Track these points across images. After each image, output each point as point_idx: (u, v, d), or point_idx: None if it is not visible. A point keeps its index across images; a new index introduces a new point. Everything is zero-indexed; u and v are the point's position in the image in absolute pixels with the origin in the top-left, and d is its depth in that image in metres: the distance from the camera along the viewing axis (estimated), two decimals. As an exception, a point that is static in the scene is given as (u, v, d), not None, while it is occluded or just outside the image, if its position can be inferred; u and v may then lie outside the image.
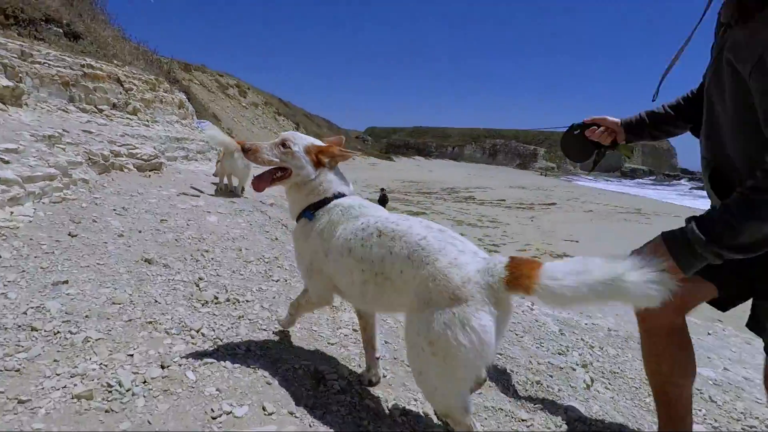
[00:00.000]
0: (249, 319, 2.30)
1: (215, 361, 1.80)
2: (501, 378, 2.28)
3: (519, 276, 1.27)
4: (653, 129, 1.87)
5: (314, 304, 1.95)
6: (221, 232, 3.93)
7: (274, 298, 2.67)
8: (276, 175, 1.82)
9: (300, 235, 1.84)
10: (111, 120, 7.30)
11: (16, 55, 6.12)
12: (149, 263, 2.83)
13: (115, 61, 8.12)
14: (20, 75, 5.79)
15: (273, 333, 2.21)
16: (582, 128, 1.95)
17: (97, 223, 3.47)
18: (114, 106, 7.58)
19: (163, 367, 1.71)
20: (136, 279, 2.55)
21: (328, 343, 2.23)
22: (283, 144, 1.80)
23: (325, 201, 1.78)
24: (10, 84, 5.20)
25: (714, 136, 1.47)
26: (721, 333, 4.51)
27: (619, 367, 2.80)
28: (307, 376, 1.85)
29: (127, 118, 7.71)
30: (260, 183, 1.84)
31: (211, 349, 1.93)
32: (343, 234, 1.65)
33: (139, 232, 3.49)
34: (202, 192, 5.59)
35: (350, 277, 1.62)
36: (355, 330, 2.41)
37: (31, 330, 1.84)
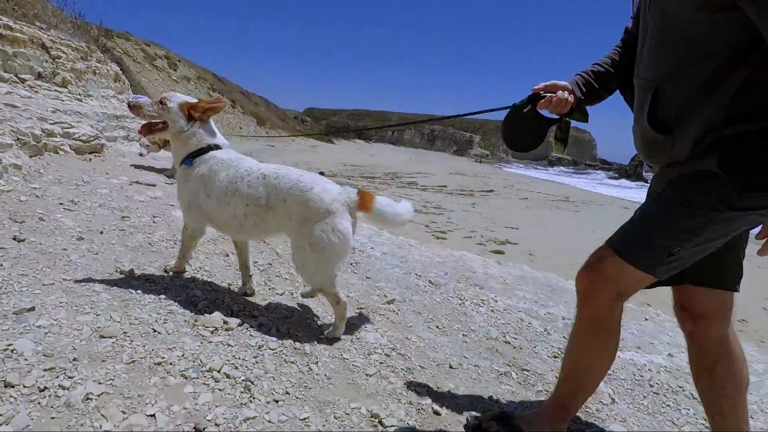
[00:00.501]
0: (271, 349, 1.97)
1: (257, 414, 1.48)
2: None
3: (364, 201, 2.07)
4: (602, 90, 1.69)
5: (192, 237, 2.40)
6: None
7: (286, 317, 2.35)
8: (156, 126, 2.30)
9: (181, 179, 2.30)
10: (36, 92, 6.28)
11: None
12: (128, 276, 2.36)
13: (38, 23, 6.96)
14: None
15: (304, 365, 1.91)
16: (532, 102, 1.61)
17: (46, 222, 2.88)
18: (39, 76, 6.53)
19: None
20: (119, 300, 2.11)
21: (366, 375, 1.97)
22: (161, 101, 2.28)
23: (202, 151, 2.23)
24: None
25: (662, 50, 1.35)
26: (656, 318, 4.74)
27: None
28: (364, 420, 1.60)
29: (56, 90, 6.68)
30: (144, 130, 2.33)
31: (245, 396, 1.60)
32: (227, 179, 2.15)
33: (101, 233, 2.96)
34: (154, 182, 4.93)
35: (233, 212, 2.13)
36: (388, 355, 2.16)
37: (5, 387, 1.40)
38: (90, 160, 5.22)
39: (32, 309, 1.84)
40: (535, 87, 1.62)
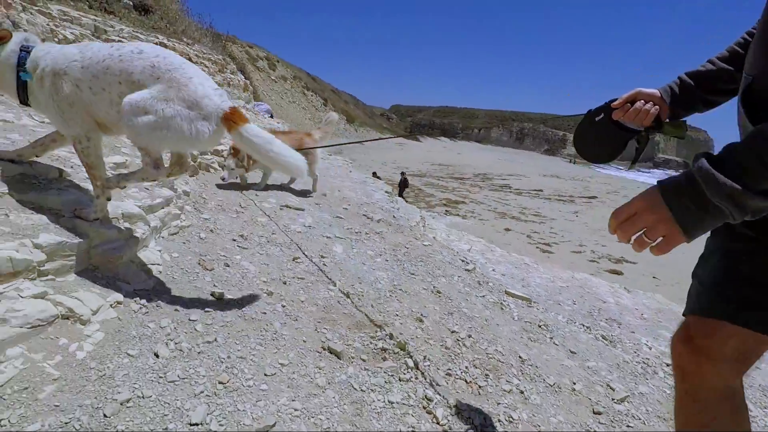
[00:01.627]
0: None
1: None
2: None
3: (233, 119, 1.89)
4: (707, 93, 1.39)
5: (88, 146, 2.05)
6: (384, 283, 3.14)
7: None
8: None
9: (38, 95, 1.96)
10: (183, 107, 6.50)
11: (89, 31, 5.34)
12: (339, 357, 2.07)
13: (185, 39, 7.29)
14: (60, 36, 5.00)
15: None
16: (606, 111, 1.51)
17: (231, 270, 2.74)
18: (185, 91, 6.78)
19: None
20: (349, 402, 1.80)
21: None
22: None
23: (20, 59, 1.92)
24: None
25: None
26: None
27: None
28: None
29: (199, 104, 6.90)
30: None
31: None
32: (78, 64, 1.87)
33: (284, 283, 2.74)
34: (302, 206, 4.80)
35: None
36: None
37: None
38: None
39: (274, 426, 1.57)
40: (612, 100, 1.51)
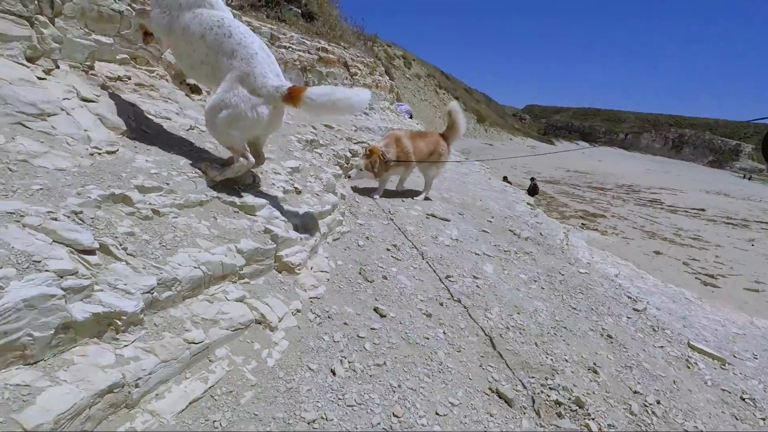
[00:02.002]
0: None
1: None
2: None
3: (293, 96, 2.14)
4: None
5: None
6: (545, 316, 2.88)
7: None
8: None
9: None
10: (337, 108, 6.85)
11: (266, 39, 5.89)
12: (510, 405, 1.88)
13: (342, 43, 7.68)
14: None
15: None
16: None
17: (388, 282, 2.71)
18: (340, 93, 7.15)
19: None
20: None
21: None
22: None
23: None
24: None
25: None
26: None
27: None
28: None
29: (351, 106, 7.21)
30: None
31: None
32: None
33: (441, 305, 2.64)
34: (448, 216, 4.67)
35: None
36: None
37: None
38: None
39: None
40: None
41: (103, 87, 2.61)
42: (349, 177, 4.42)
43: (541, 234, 5.11)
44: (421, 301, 2.65)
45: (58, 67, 2.25)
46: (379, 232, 3.55)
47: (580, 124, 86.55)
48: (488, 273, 3.44)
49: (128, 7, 2.92)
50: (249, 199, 2.33)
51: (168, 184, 2.03)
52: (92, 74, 2.60)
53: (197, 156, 2.53)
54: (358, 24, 9.77)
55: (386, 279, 2.77)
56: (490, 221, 5.02)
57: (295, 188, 2.84)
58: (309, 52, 6.64)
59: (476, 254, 3.76)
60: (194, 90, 3.47)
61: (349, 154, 5.10)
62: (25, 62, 2.06)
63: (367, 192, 4.42)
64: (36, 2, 2.10)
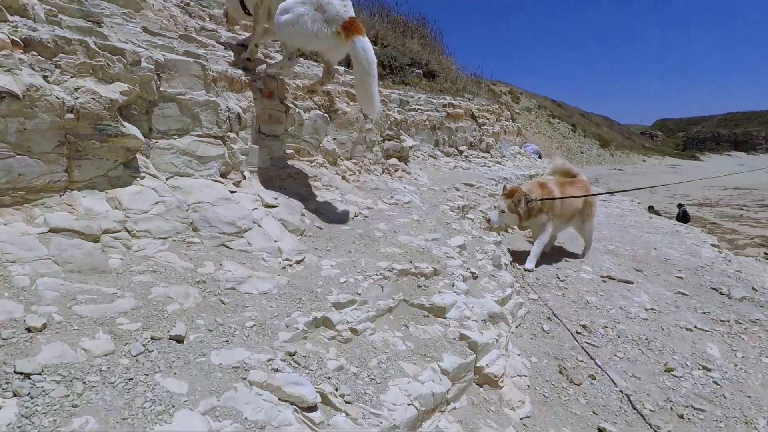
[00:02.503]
0: None
1: None
2: None
3: (350, 28, 2.31)
4: None
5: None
6: None
7: None
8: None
9: None
10: (470, 161, 6.62)
11: (395, 104, 5.96)
12: None
13: (466, 95, 7.53)
14: (404, 126, 5.50)
15: None
16: None
17: (598, 385, 2.22)
18: (471, 146, 6.93)
19: None
20: None
21: None
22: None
23: None
24: (411, 142, 4.75)
25: None
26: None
27: None
28: None
29: (482, 156, 6.94)
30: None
31: None
32: None
33: (680, 417, 2.02)
34: (631, 279, 3.94)
35: None
36: None
37: None
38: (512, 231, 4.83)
39: None
40: None
41: (280, 187, 2.69)
42: (489, 221, 3.76)
43: (753, 289, 4.05)
44: (651, 411, 2.08)
45: (244, 177, 2.33)
46: (559, 308, 3.05)
47: (730, 132, 74.35)
48: (715, 357, 2.70)
49: (293, 104, 3.05)
50: (436, 298, 2.08)
51: (358, 293, 1.88)
52: (268, 175, 2.69)
53: (370, 249, 2.40)
54: (475, 71, 9.65)
55: (595, 380, 2.26)
56: (681, 277, 4.14)
57: (472, 273, 2.54)
58: (437, 110, 6.60)
59: (687, 330, 3.01)
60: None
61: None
62: (219, 179, 2.16)
63: (521, 257, 3.92)
64: (228, 121, 2.21)
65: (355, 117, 3.74)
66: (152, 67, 1.84)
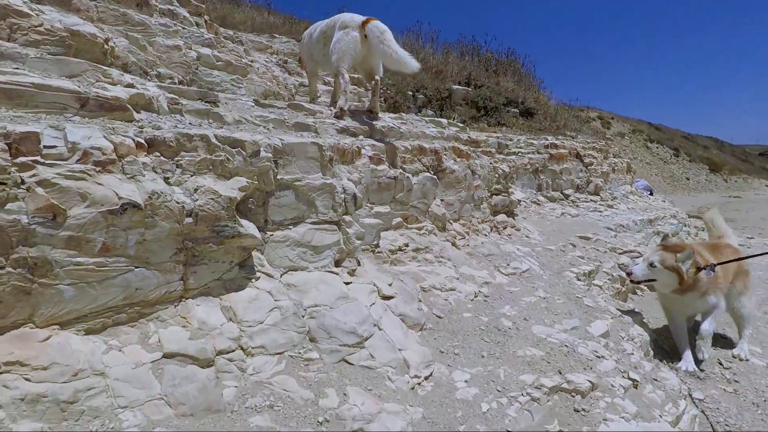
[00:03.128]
0: None
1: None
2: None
3: (365, 22, 2.87)
4: None
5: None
6: None
7: None
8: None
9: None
10: (577, 206, 5.95)
11: (494, 148, 5.55)
12: None
13: (567, 133, 6.92)
14: (500, 171, 5.04)
15: None
16: None
17: None
18: (577, 188, 6.27)
19: None
20: None
21: None
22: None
23: None
24: (519, 194, 4.29)
25: None
26: None
27: None
28: None
29: (591, 200, 6.24)
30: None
31: None
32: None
33: None
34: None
35: None
36: None
37: None
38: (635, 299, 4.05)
39: None
40: None
41: (392, 262, 2.42)
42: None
43: None
44: None
45: (359, 263, 2.07)
46: (737, 415, 2.36)
47: None
48: None
49: (401, 168, 2.81)
50: (614, 428, 1.61)
51: (508, 427, 1.48)
52: (378, 252, 2.44)
53: (505, 351, 1.99)
54: (571, 103, 8.96)
55: None
56: None
57: (632, 381, 2.02)
58: (538, 152, 6.08)
59: None
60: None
61: (623, 274, 4.06)
62: (334, 269, 1.92)
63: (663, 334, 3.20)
64: (343, 204, 1.99)
65: (463, 174, 3.41)
66: (270, 155, 1.67)
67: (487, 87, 6.86)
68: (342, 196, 1.98)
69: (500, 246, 3.56)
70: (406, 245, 2.68)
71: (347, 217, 2.03)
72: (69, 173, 1.20)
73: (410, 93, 5.84)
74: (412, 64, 2.73)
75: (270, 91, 4.09)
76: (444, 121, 3.86)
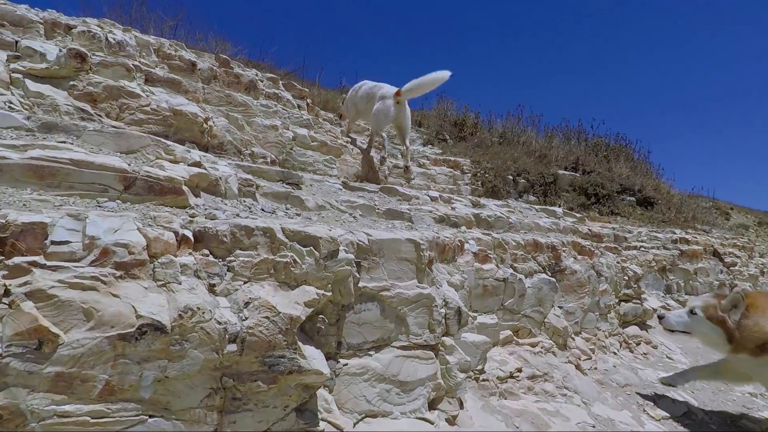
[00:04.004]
0: None
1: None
2: None
3: (398, 93, 3.41)
4: None
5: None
6: None
7: None
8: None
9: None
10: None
11: (611, 239, 4.70)
12: None
13: (698, 226, 5.82)
14: (630, 273, 4.16)
15: None
16: None
17: None
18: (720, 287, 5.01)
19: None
20: None
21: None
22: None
23: None
24: (655, 302, 3.42)
25: None
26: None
27: None
28: None
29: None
30: None
31: None
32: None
33: None
34: None
35: None
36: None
37: None
38: None
39: None
40: None
41: (500, 395, 1.78)
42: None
43: None
44: None
45: (461, 404, 1.49)
46: None
47: None
48: None
49: (511, 267, 2.25)
50: None
51: None
52: (484, 381, 1.82)
53: None
54: (695, 191, 7.77)
55: None
56: None
57: None
58: (665, 247, 5.09)
59: None
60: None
61: None
62: (427, 414, 1.35)
63: None
64: (443, 321, 1.46)
65: (586, 276, 2.73)
66: (352, 256, 1.25)
67: (597, 173, 6.15)
68: (442, 311, 1.46)
69: (638, 371, 2.72)
70: (519, 370, 2.02)
71: (448, 340, 1.49)
72: (76, 280, 0.86)
73: (510, 177, 5.36)
74: (442, 74, 3.33)
75: (363, 173, 3.88)
76: (558, 209, 3.28)
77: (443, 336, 1.48)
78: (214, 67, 3.20)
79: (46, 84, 2.16)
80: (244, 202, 1.46)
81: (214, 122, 2.72)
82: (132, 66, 2.44)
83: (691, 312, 2.19)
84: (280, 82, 3.88)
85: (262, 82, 3.66)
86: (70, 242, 0.89)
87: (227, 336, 1.00)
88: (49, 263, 0.85)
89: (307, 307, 1.11)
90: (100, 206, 1.05)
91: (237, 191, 1.49)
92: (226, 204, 1.35)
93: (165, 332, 0.92)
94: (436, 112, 7.20)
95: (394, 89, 3.47)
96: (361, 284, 1.30)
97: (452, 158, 5.51)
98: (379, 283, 1.34)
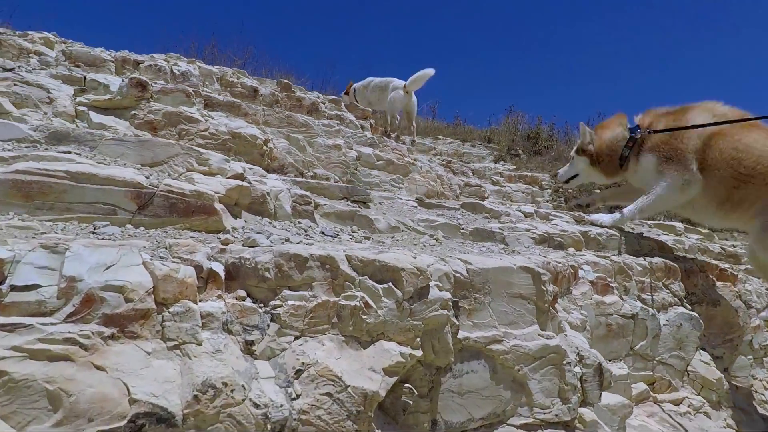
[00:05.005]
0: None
1: None
2: None
3: (407, 86, 4.36)
4: None
5: None
6: None
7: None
8: None
9: None
10: None
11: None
12: None
13: None
14: None
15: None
16: None
17: None
18: None
19: None
20: None
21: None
22: None
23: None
24: None
25: None
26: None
27: None
28: None
29: None
30: None
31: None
32: None
33: None
34: None
35: None
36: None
37: None
38: None
39: None
40: None
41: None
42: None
43: None
44: None
45: None
46: None
47: None
48: None
49: (641, 304, 1.72)
50: None
51: None
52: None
53: None
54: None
55: None
56: None
57: None
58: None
59: None
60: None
61: None
62: None
63: None
64: (579, 385, 1.01)
65: (734, 308, 2.11)
66: (448, 294, 0.86)
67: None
68: (577, 369, 1.01)
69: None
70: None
71: (587, 412, 1.03)
72: (41, 346, 0.56)
73: (598, 191, 4.73)
74: (429, 70, 4.18)
75: (433, 191, 3.52)
76: (679, 225, 2.67)
77: (579, 406, 1.02)
78: (276, 92, 3.06)
79: (110, 115, 2.08)
80: (299, 223, 1.14)
81: (274, 144, 2.51)
82: (192, 92, 2.31)
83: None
84: (343, 104, 3.74)
85: (324, 104, 3.50)
86: (39, 286, 0.60)
87: (269, 427, 0.64)
88: (1, 320, 0.56)
89: (389, 375, 0.73)
90: (95, 232, 0.77)
91: (290, 210, 1.18)
92: (274, 226, 1.03)
93: (173, 424, 0.59)
94: (506, 126, 6.72)
95: (403, 82, 4.34)
96: (461, 334, 0.90)
97: (529, 174, 5.00)
98: (486, 333, 0.93)
